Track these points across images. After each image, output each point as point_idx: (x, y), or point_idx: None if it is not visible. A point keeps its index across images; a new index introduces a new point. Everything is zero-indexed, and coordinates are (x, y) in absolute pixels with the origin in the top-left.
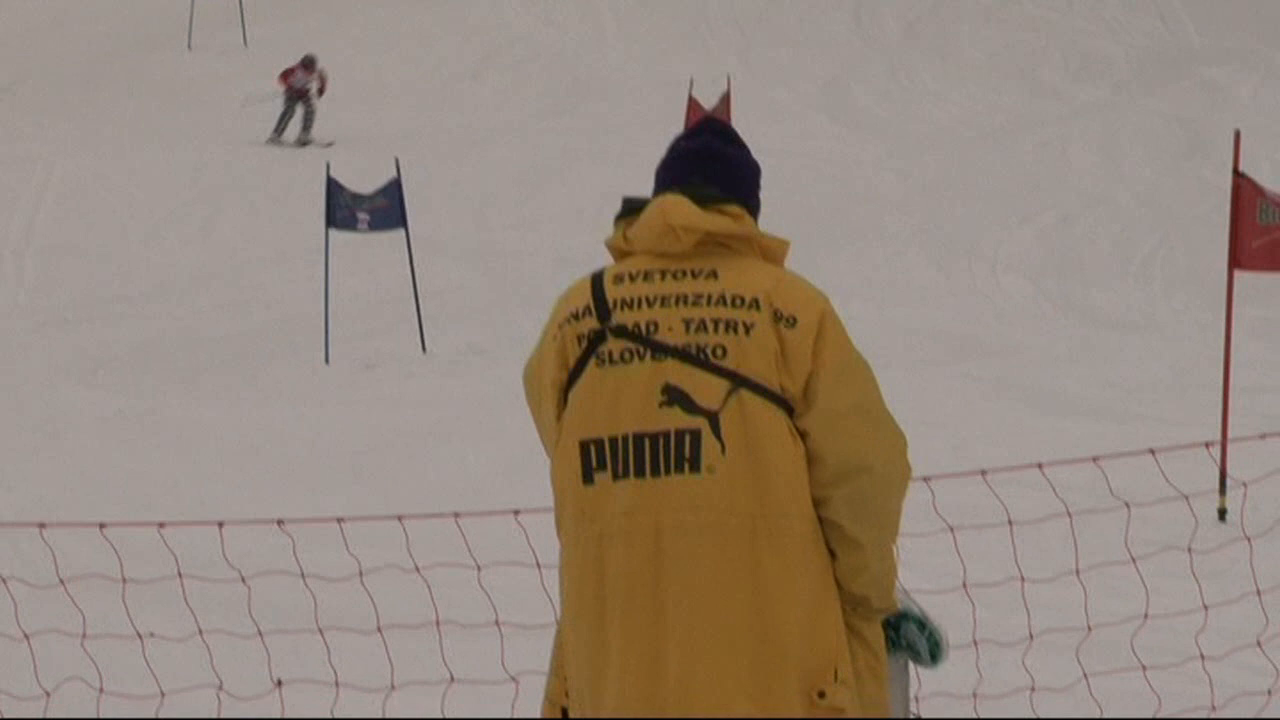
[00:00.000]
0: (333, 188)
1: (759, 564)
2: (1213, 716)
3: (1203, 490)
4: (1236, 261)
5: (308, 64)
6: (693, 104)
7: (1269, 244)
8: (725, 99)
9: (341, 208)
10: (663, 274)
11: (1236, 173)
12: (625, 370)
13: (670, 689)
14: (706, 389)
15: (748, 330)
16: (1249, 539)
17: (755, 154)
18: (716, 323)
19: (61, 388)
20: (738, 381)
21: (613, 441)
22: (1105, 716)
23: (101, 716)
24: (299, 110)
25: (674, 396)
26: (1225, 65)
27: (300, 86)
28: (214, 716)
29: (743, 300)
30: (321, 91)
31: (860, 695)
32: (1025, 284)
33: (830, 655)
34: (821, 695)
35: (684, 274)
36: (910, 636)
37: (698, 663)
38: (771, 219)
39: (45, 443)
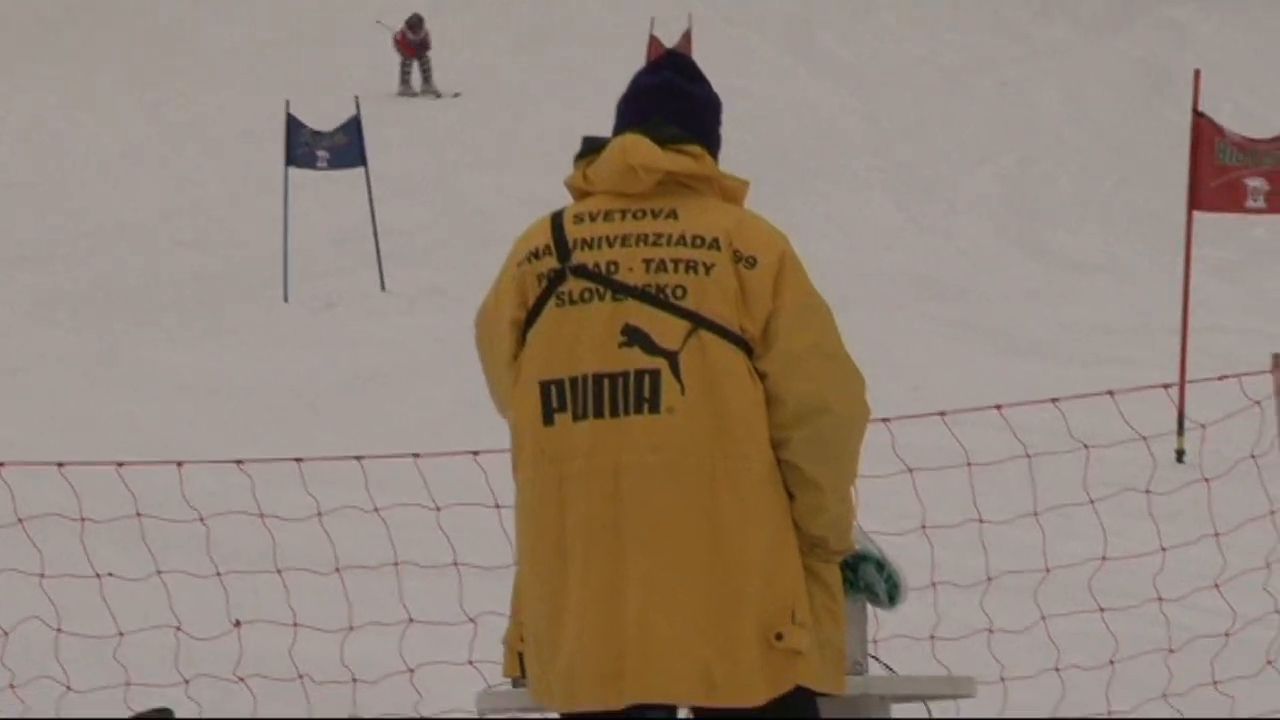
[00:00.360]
0: (292, 125)
1: (718, 505)
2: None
3: (1161, 432)
4: (1196, 202)
5: (414, 24)
6: (654, 42)
7: (1227, 184)
8: (686, 37)
9: (300, 145)
10: (623, 214)
11: (1196, 113)
12: (585, 310)
13: (629, 631)
14: (666, 329)
15: (708, 270)
16: (1207, 481)
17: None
18: (676, 263)
19: (21, 326)
20: (697, 322)
21: (573, 382)
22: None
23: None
24: (415, 66)
25: (634, 337)
26: (1186, 4)
27: (415, 43)
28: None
29: (703, 240)
30: (426, 46)
31: (818, 637)
32: (986, 225)
33: (788, 597)
34: (779, 637)
35: (644, 214)
36: (868, 578)
37: (657, 604)
38: (732, 159)
39: (3, 381)
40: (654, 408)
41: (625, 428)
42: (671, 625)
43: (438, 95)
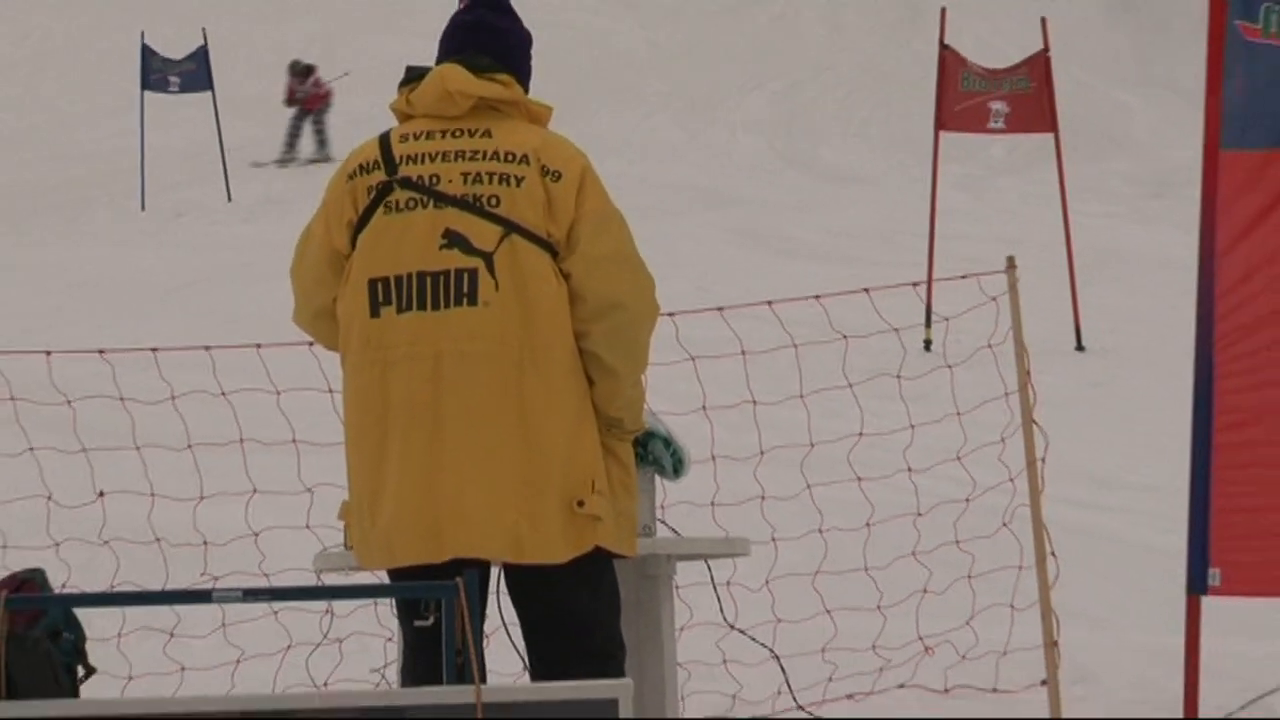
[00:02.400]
0: (145, 53)
1: (526, 389)
2: (918, 521)
3: (911, 324)
4: (942, 123)
5: (299, 71)
6: None
7: (970, 108)
8: None
9: (154, 71)
10: (443, 133)
11: (943, 45)
12: (409, 217)
13: (446, 497)
14: (482, 233)
15: (518, 182)
16: (950, 367)
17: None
18: (491, 175)
19: None
20: (509, 227)
21: (398, 279)
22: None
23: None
24: (308, 125)
25: (454, 239)
26: None
27: (302, 96)
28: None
29: (514, 156)
30: (317, 100)
31: (613, 504)
32: (760, 142)
33: (588, 470)
34: (580, 504)
35: (461, 133)
36: (657, 453)
37: (471, 476)
38: (535, 85)
39: None
40: (472, 301)
41: (445, 319)
42: (484, 493)
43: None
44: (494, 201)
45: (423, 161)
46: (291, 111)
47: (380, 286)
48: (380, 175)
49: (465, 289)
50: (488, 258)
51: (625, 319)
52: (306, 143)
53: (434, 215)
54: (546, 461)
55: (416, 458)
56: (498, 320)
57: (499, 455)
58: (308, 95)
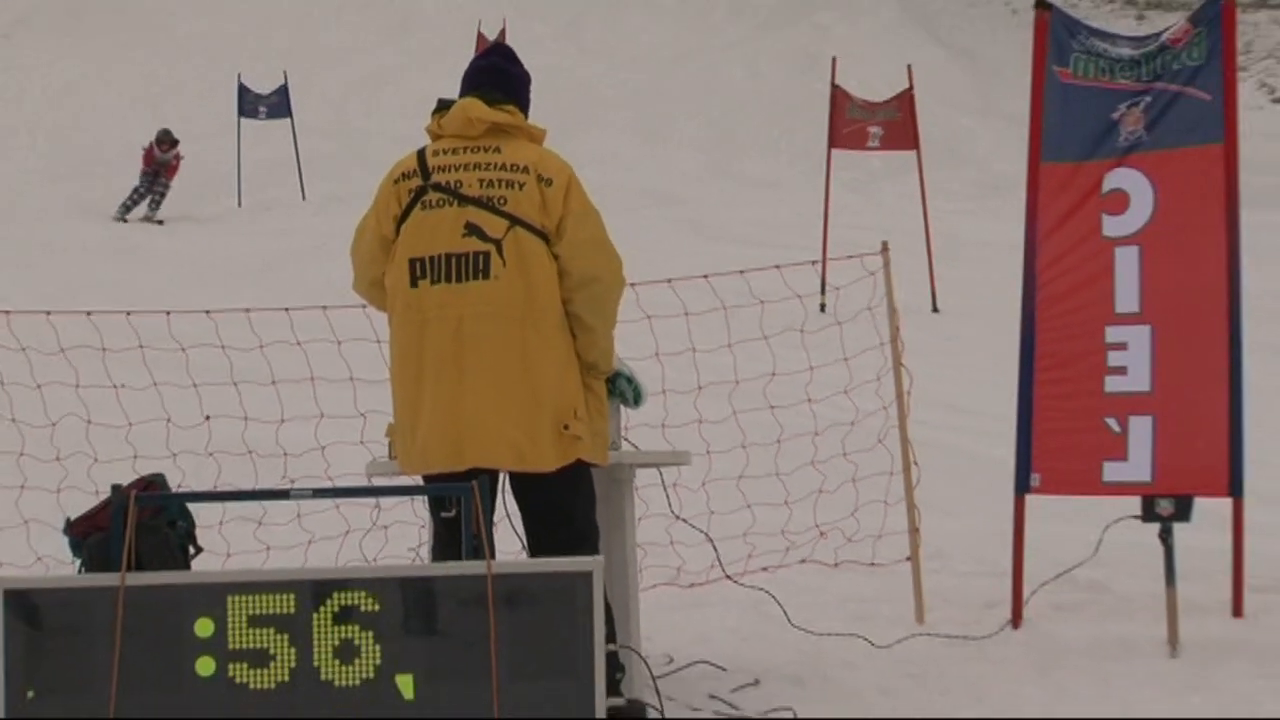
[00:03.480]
0: (241, 89)
1: (526, 342)
2: (816, 438)
3: (810, 292)
4: (833, 143)
5: (164, 140)
6: (480, 38)
7: (854, 131)
8: (502, 34)
9: (248, 102)
10: (464, 149)
11: (834, 85)
12: (440, 212)
13: (466, 422)
14: (494, 225)
15: (520, 187)
16: (839, 324)
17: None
18: (500, 181)
19: (59, 219)
20: (514, 221)
21: (431, 259)
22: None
23: None
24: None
25: (472, 229)
26: (829, 13)
27: (161, 162)
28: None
29: (518, 167)
30: (173, 170)
31: (590, 426)
32: (699, 157)
33: (572, 401)
34: (566, 427)
35: (478, 149)
36: (622, 388)
37: (485, 405)
38: (533, 113)
39: (49, 257)
40: (486, 276)
41: (466, 290)
42: (494, 418)
43: (160, 223)
44: (503, 201)
45: (450, 171)
46: (141, 170)
47: (418, 264)
48: (418, 180)
49: (481, 267)
50: (498, 244)
51: (600, 289)
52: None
53: (458, 211)
54: (541, 395)
55: (445, 392)
56: (505, 290)
57: (506, 391)
58: (167, 163)
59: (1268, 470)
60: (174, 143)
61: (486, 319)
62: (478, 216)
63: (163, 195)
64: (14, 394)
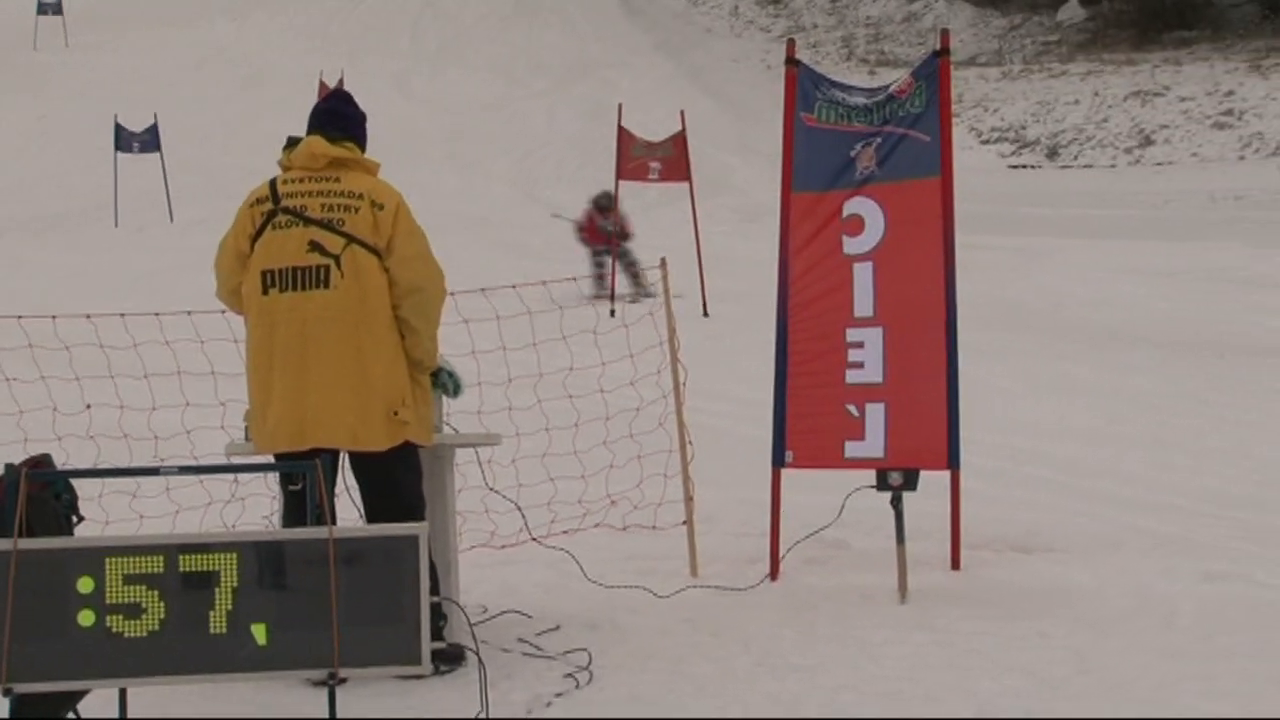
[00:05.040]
0: (118, 128)
1: (360, 341)
2: (608, 422)
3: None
4: (620, 175)
5: (603, 205)
6: (322, 85)
7: (637, 165)
8: (340, 82)
9: (124, 139)
10: (309, 179)
11: (620, 126)
12: (288, 232)
13: (308, 408)
14: (333, 243)
15: (356, 211)
16: (626, 326)
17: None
18: (339, 206)
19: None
20: (350, 239)
21: (280, 271)
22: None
23: None
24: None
25: (315, 246)
26: (616, 69)
27: (606, 230)
28: None
29: (354, 194)
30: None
31: (417, 412)
32: (507, 187)
33: (400, 392)
34: (395, 413)
35: (321, 179)
36: (443, 380)
37: (324, 394)
38: (370, 149)
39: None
40: (325, 285)
41: (310, 297)
42: (332, 405)
43: (650, 295)
44: (341, 223)
45: (297, 197)
46: (589, 249)
47: (269, 275)
48: (270, 205)
49: (322, 278)
50: (336, 258)
51: (423, 297)
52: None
53: (303, 231)
54: (373, 386)
55: (291, 384)
56: (342, 298)
57: (342, 382)
58: (616, 231)
59: (979, 448)
60: (609, 207)
61: (327, 322)
62: (320, 235)
63: (635, 267)
64: None
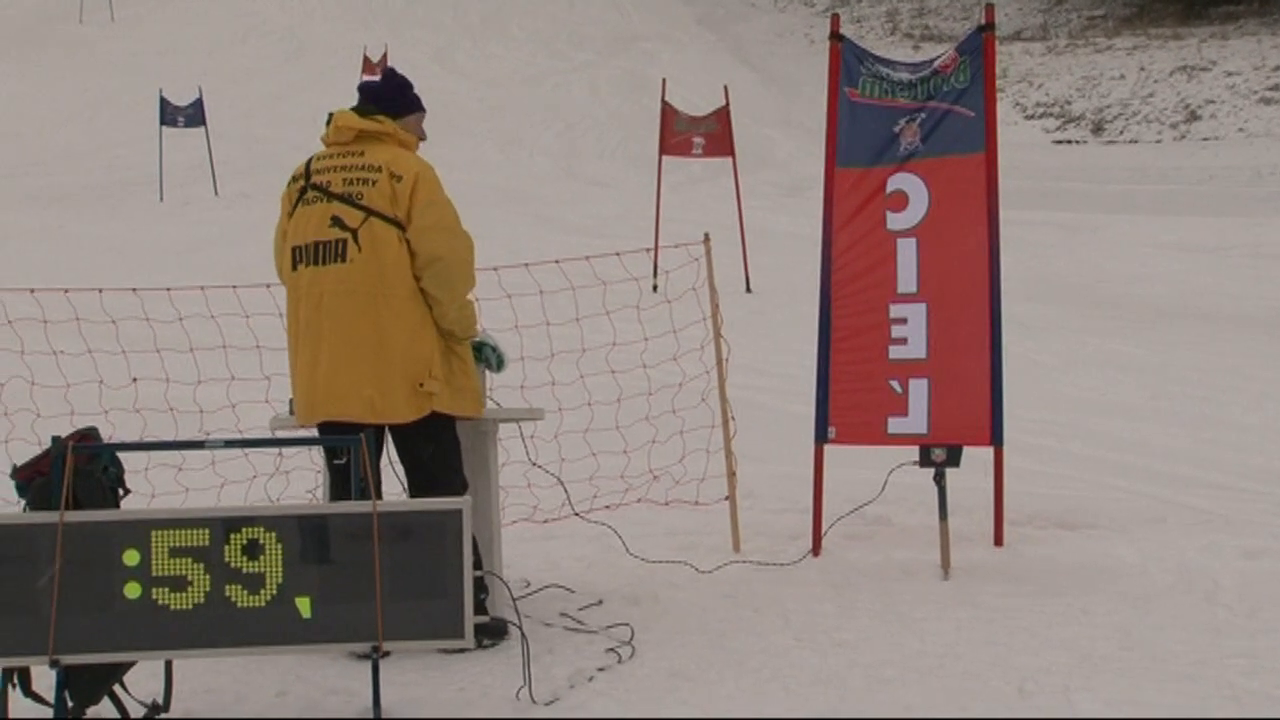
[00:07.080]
0: (163, 102)
1: (378, 313)
2: (650, 398)
3: (644, 275)
4: (663, 150)
5: None
6: (366, 60)
7: (680, 141)
8: (384, 57)
9: (168, 113)
10: (338, 154)
11: (664, 101)
12: (313, 208)
13: (319, 382)
14: (352, 216)
15: (374, 184)
16: (669, 301)
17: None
18: (358, 180)
19: (16, 212)
20: (369, 212)
21: (305, 247)
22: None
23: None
24: None
25: (336, 221)
26: (655, 41)
27: None
28: None
29: (373, 167)
30: None
31: (450, 384)
32: (547, 162)
33: (425, 363)
34: (421, 385)
35: (348, 153)
36: (487, 355)
37: (336, 369)
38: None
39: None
40: (343, 259)
41: (326, 271)
42: (345, 378)
43: None
44: (359, 196)
45: (324, 173)
46: None
47: (297, 251)
48: (302, 182)
49: (339, 252)
50: (354, 232)
51: (443, 267)
52: None
53: (326, 206)
54: (392, 358)
55: (307, 358)
56: (359, 271)
57: (359, 355)
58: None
59: (1022, 424)
60: None
61: (342, 295)
62: (340, 210)
63: None
64: None
